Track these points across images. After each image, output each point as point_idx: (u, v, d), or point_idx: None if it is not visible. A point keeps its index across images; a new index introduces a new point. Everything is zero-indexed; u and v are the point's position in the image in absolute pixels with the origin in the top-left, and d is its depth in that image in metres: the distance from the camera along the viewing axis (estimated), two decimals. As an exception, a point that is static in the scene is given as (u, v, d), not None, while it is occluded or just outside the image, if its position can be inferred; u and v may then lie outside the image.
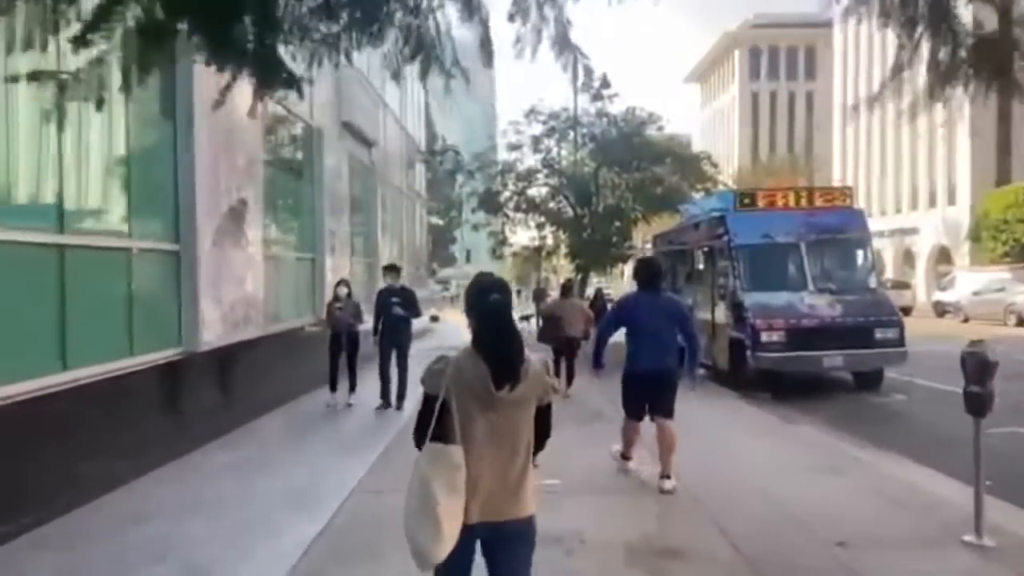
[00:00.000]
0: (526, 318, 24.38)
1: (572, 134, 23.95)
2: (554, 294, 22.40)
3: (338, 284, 10.56)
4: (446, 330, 27.05)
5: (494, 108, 29.29)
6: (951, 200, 49.25)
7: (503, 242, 26.55)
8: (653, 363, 6.51)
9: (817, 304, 12.59)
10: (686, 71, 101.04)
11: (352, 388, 10.62)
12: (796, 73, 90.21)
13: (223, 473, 7.01)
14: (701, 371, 8.18)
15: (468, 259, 63.78)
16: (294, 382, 10.57)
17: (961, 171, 48.29)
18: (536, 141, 24.14)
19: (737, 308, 12.97)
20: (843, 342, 12.20)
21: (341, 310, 10.24)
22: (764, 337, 12.26)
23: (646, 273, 6.89)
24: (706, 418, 9.93)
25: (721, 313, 13.70)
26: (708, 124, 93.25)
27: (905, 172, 56.07)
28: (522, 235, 29.27)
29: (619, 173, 23.86)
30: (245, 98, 4.21)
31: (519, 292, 66.82)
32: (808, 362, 12.30)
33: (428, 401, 2.70)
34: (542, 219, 25.26)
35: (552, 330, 12.28)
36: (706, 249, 14.80)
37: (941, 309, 32.83)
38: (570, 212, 24.25)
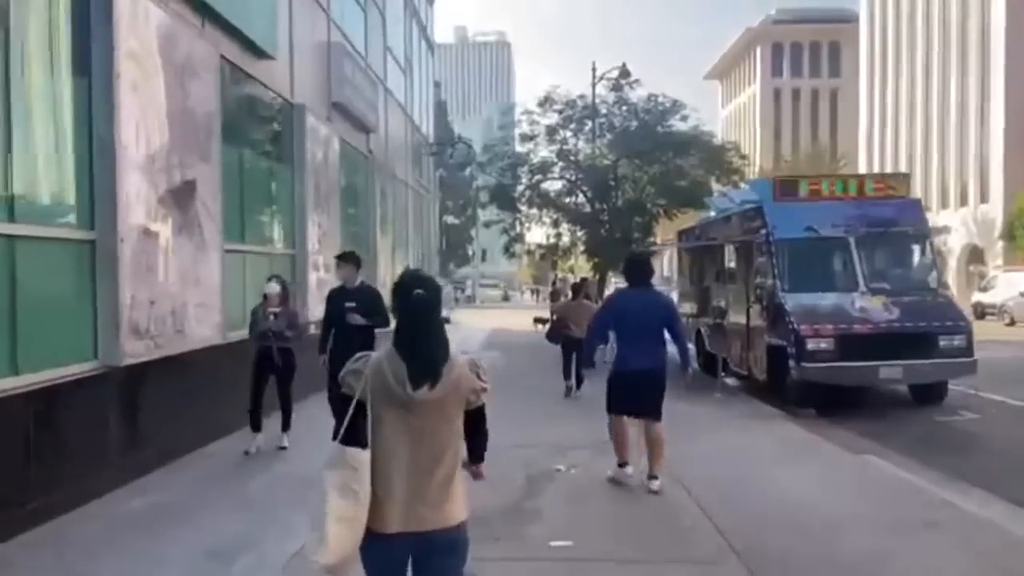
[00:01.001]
0: (541, 320, 23.12)
1: (589, 123, 22.37)
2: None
3: (269, 280, 7.75)
4: (460, 333, 25.63)
5: (513, 108, 27.62)
6: (983, 198, 47.48)
7: (516, 239, 24.99)
8: (643, 363, 6.30)
9: (870, 307, 10.94)
10: (706, 68, 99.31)
11: (285, 425, 7.90)
12: (819, 69, 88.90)
13: (122, 535, 5.37)
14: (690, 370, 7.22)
15: (483, 258, 62.80)
16: (303, 385, 8.93)
17: (994, 168, 46.44)
18: (551, 132, 22.57)
19: (777, 311, 11.35)
20: (902, 351, 10.56)
21: (276, 316, 7.48)
22: (810, 345, 10.63)
23: (636, 269, 6.65)
24: (747, 444, 8.34)
25: (757, 317, 12.08)
26: (728, 122, 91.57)
27: (935, 169, 54.40)
28: (537, 233, 27.77)
29: (640, 166, 22.30)
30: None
31: (536, 292, 65.84)
32: (862, 374, 10.66)
33: (344, 401, 2.62)
34: (557, 215, 23.71)
35: (560, 330, 11.99)
36: (739, 245, 13.17)
37: (981, 310, 31.08)
38: (587, 207, 22.66)
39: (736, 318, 12.71)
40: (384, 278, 15.81)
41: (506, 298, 71.40)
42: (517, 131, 23.35)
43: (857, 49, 73.78)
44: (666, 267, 19.92)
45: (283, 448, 7.75)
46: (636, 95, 21.97)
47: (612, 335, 6.93)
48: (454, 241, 59.99)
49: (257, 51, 9.16)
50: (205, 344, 7.69)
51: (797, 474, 7.05)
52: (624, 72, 22.88)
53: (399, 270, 19.39)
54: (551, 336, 12.48)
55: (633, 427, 6.68)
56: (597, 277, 21.94)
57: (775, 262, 11.55)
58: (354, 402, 2.56)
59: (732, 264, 13.84)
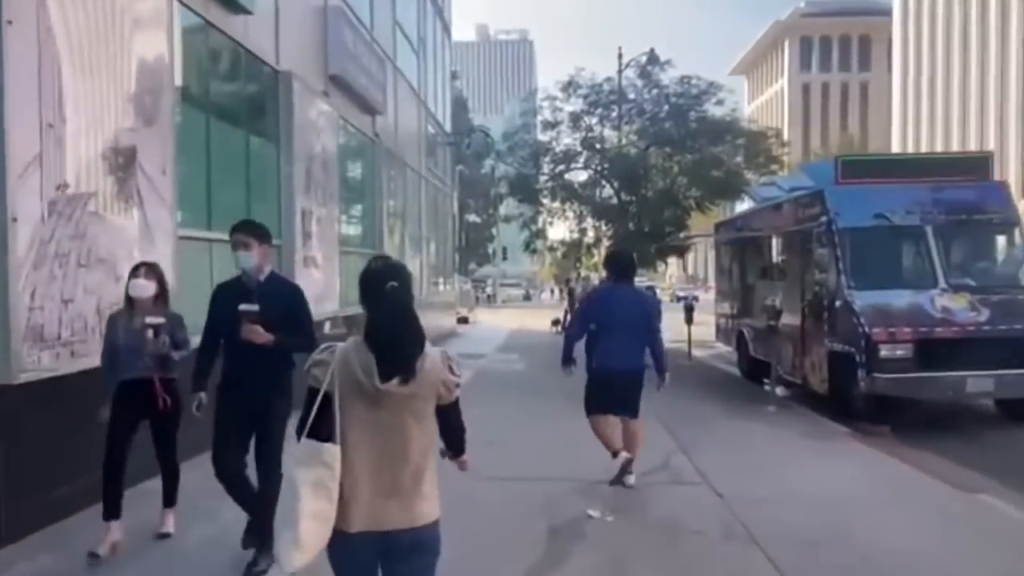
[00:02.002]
0: (558, 322, 21.78)
1: (617, 109, 20.75)
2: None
3: (134, 271, 4.79)
4: (477, 333, 24.20)
5: (534, 94, 26.27)
6: (1027, 188, 45.26)
7: (538, 235, 23.41)
8: (626, 362, 6.15)
9: (954, 307, 9.30)
10: (732, 64, 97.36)
11: (169, 499, 5.03)
12: (849, 64, 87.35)
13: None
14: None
15: (505, 257, 61.63)
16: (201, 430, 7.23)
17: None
18: (575, 118, 20.96)
19: (841, 312, 9.74)
20: (993, 359, 8.91)
21: (155, 331, 4.61)
22: (884, 352, 9.02)
23: (618, 264, 6.47)
24: (824, 477, 6.71)
25: (815, 318, 10.47)
26: (755, 118, 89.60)
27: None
28: (559, 229, 26.20)
29: (671, 155, 20.66)
30: None
31: (559, 291, 64.30)
32: (946, 385, 9.01)
33: (310, 394, 2.43)
34: (581, 208, 22.11)
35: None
36: (792, 236, 11.53)
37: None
38: (614, 199, 21.03)
39: (788, 319, 11.10)
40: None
41: (527, 297, 70.06)
42: (539, 118, 21.75)
43: (887, 43, 72.13)
44: (698, 264, 18.17)
45: (166, 535, 4.93)
46: (668, 77, 20.31)
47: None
48: (475, 239, 59.47)
49: (227, 1, 7.69)
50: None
51: (897, 520, 5.45)
52: (652, 57, 21.26)
53: (412, 268, 17.94)
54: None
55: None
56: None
57: (839, 254, 9.92)
58: (320, 395, 2.41)
59: (783, 258, 12.21)
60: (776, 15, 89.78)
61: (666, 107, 19.91)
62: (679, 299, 29.80)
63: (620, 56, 22.74)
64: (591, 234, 22.77)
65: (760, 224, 13.39)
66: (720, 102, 20.74)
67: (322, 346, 2.49)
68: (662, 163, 20.79)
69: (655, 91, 20.16)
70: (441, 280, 23.51)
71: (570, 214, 22.72)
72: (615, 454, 6.22)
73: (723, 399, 11.24)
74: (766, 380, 13.03)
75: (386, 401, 2.39)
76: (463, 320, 27.77)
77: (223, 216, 8.15)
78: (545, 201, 22.16)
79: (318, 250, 10.28)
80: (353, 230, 12.92)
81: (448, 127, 24.83)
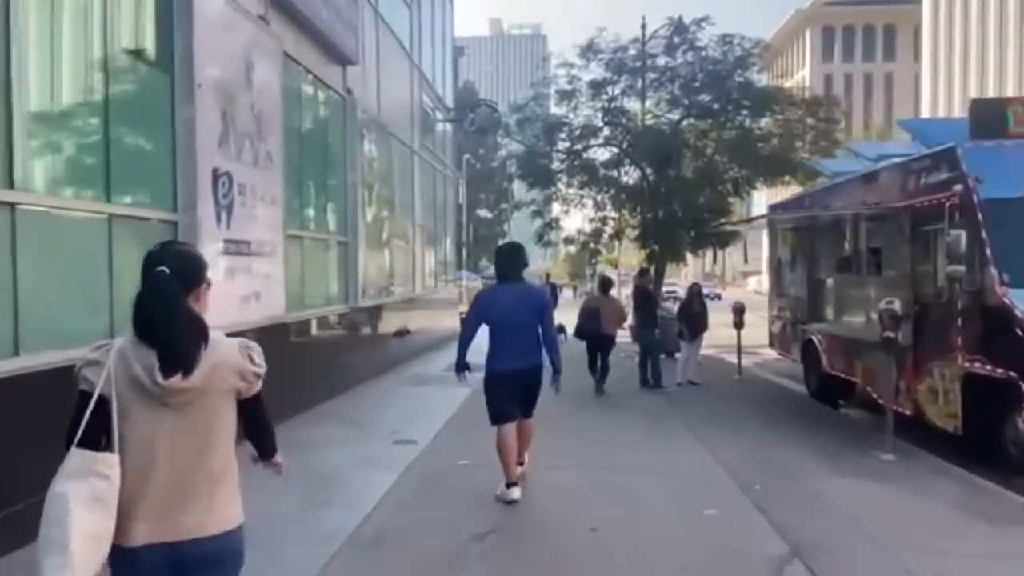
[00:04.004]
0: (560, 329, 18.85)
1: (641, 79, 17.70)
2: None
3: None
4: (482, 335, 21.16)
5: (547, 60, 23.22)
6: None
7: (551, 225, 20.37)
8: (519, 362, 5.80)
9: None
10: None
11: None
12: (873, 54, 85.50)
13: None
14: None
15: (516, 252, 59.08)
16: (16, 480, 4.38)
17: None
18: (596, 87, 17.89)
19: (988, 318, 6.83)
20: None
21: None
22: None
23: (506, 261, 6.14)
24: None
25: (937, 326, 7.52)
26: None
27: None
28: (575, 219, 23.20)
29: (707, 131, 17.65)
30: None
31: (574, 288, 61.40)
32: None
33: (82, 399, 2.17)
34: (601, 195, 19.07)
35: (588, 326, 11.26)
36: (897, 215, 8.54)
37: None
38: (641, 182, 17.97)
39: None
40: (364, 268, 11.39)
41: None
42: (553, 88, 18.69)
43: (914, 32, 69.98)
44: (747, 253, 15.15)
45: None
46: (706, 36, 17.17)
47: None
48: (486, 235, 57.89)
49: None
50: None
51: None
52: (680, 27, 18.10)
53: (400, 261, 15.03)
54: (579, 333, 11.45)
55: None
56: (653, 268, 17.03)
57: (983, 237, 6.94)
58: (94, 399, 2.14)
59: (880, 245, 9.21)
60: (798, 4, 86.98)
61: (702, 73, 16.81)
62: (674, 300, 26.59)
63: (644, 26, 19.71)
64: (612, 224, 19.72)
65: (842, 202, 10.35)
66: (764, 68, 17.67)
67: (96, 344, 2.25)
68: (695, 141, 17.77)
69: (690, 53, 17.04)
70: (442, 275, 20.61)
71: (588, 201, 19.67)
72: (510, 485, 5.79)
73: (805, 436, 8.27)
74: (843, 403, 10.53)
75: (172, 399, 2.19)
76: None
77: (58, 174, 5.22)
78: (560, 185, 19.14)
79: (248, 231, 7.36)
80: (312, 209, 10.00)
81: (450, 103, 21.93)
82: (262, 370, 2.36)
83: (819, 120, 16.78)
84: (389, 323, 13.60)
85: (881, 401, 8.54)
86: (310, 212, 9.88)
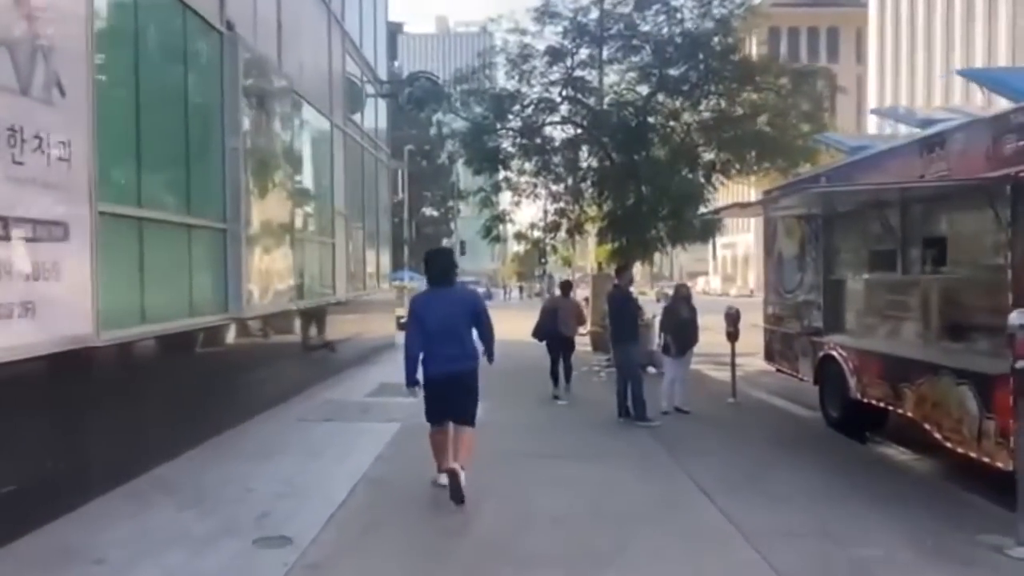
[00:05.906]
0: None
1: (611, 45, 15.19)
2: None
3: None
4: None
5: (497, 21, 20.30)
6: None
7: (500, 218, 17.67)
8: (447, 366, 5.75)
9: None
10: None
11: None
12: (818, 55, 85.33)
13: None
14: None
15: (463, 252, 56.68)
16: None
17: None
18: (554, 54, 15.24)
19: None
20: None
21: None
22: None
23: (436, 265, 6.12)
24: None
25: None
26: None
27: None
28: (527, 211, 20.60)
29: (676, 114, 15.24)
30: None
31: (521, 289, 58.47)
32: None
33: None
34: (560, 182, 16.50)
35: (547, 326, 11.00)
36: (958, 198, 6.15)
37: None
38: (607, 163, 15.40)
39: (944, 344, 5.82)
40: (256, 265, 8.56)
41: (488, 296, 65.25)
42: (503, 57, 16.00)
43: (856, 34, 70.45)
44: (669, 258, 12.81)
45: None
46: None
47: None
48: (431, 233, 55.97)
49: None
50: None
51: None
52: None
53: (315, 258, 12.18)
54: (536, 334, 11.18)
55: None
56: (622, 267, 14.41)
57: None
58: None
59: (949, 231, 6.78)
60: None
61: (679, 36, 14.32)
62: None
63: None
64: (570, 216, 17.10)
65: (882, 179, 7.88)
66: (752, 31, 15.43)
67: None
68: (667, 122, 15.31)
69: (663, 14, 14.53)
70: (376, 275, 17.78)
71: (542, 191, 17.05)
72: (441, 469, 5.90)
73: (874, 503, 5.74)
74: (875, 437, 8.49)
75: None
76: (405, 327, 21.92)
77: None
78: (511, 171, 16.47)
79: (16, 206, 4.51)
80: (164, 181, 7.07)
81: (384, 77, 19.11)
82: None
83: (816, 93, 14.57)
84: (296, 336, 10.78)
85: (961, 450, 6.14)
86: (159, 183, 6.95)
